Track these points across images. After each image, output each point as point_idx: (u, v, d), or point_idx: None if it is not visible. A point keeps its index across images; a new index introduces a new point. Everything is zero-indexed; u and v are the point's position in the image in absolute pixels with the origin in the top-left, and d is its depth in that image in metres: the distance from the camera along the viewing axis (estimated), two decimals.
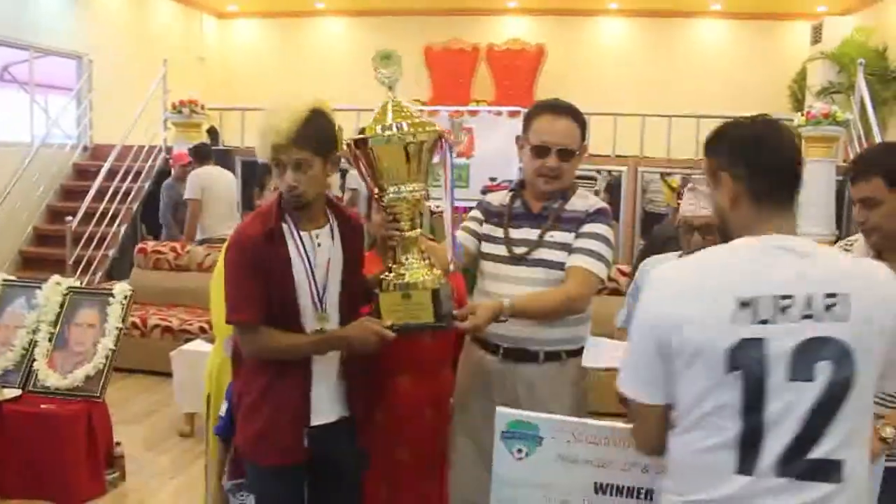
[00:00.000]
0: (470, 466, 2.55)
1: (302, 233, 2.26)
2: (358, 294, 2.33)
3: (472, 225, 2.61)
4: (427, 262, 2.24)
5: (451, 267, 2.27)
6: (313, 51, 13.22)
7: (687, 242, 2.39)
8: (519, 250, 2.47)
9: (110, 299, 3.88)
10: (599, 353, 2.31)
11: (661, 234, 2.86)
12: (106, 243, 8.17)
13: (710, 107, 9.05)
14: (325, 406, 2.31)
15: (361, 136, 2.18)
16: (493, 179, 6.79)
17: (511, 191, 2.62)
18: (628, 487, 1.96)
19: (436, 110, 7.43)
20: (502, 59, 12.28)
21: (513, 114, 7.22)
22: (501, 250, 2.50)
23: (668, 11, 12.06)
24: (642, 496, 1.96)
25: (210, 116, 9.44)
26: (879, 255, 2.21)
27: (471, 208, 2.73)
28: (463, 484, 2.58)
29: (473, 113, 7.52)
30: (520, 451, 2.02)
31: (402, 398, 2.56)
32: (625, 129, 8.77)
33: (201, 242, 6.89)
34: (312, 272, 2.25)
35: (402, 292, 2.19)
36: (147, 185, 8.90)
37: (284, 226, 2.25)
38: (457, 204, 2.28)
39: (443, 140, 2.23)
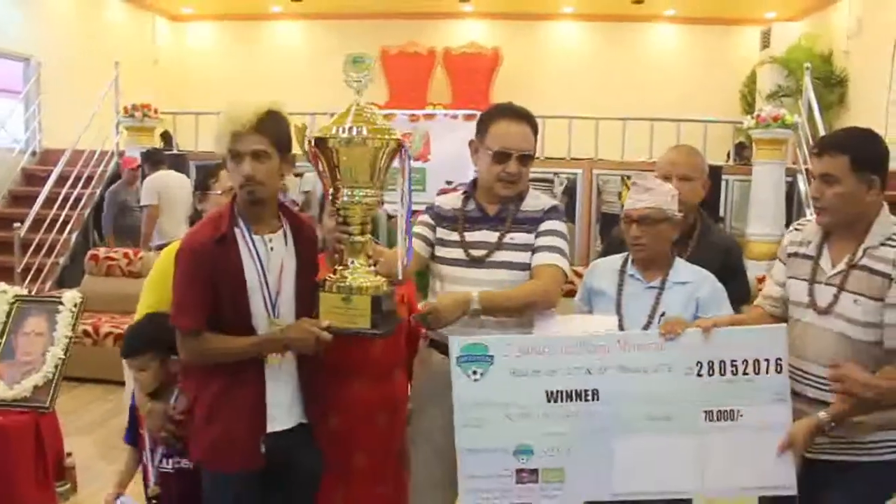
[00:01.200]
0: (429, 470, 2.55)
1: (255, 237, 2.24)
2: (312, 299, 2.31)
3: (424, 231, 2.58)
4: (373, 269, 2.24)
5: (400, 275, 2.25)
6: (268, 54, 13.09)
7: (628, 235, 2.44)
8: (477, 253, 2.47)
9: (59, 307, 3.78)
10: (549, 325, 2.42)
11: (618, 236, 2.89)
12: (56, 250, 7.97)
13: (663, 110, 9.22)
14: (283, 412, 2.29)
15: (322, 135, 2.16)
16: (449, 183, 6.78)
17: (463, 193, 2.61)
18: (576, 391, 2.21)
19: (392, 114, 7.40)
20: (459, 63, 12.32)
21: (469, 117, 7.23)
22: (458, 254, 2.50)
23: (622, 16, 12.22)
24: (589, 397, 2.21)
25: (163, 120, 9.29)
26: (827, 234, 2.25)
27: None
28: (422, 488, 2.58)
29: (430, 116, 7.52)
30: (475, 372, 2.22)
31: (355, 403, 2.54)
32: (580, 131, 8.83)
33: (159, 247, 6.78)
34: (265, 276, 2.23)
35: (343, 295, 2.18)
36: (99, 190, 8.69)
37: (237, 230, 2.23)
38: (413, 208, 2.27)
39: (403, 149, 2.22)
